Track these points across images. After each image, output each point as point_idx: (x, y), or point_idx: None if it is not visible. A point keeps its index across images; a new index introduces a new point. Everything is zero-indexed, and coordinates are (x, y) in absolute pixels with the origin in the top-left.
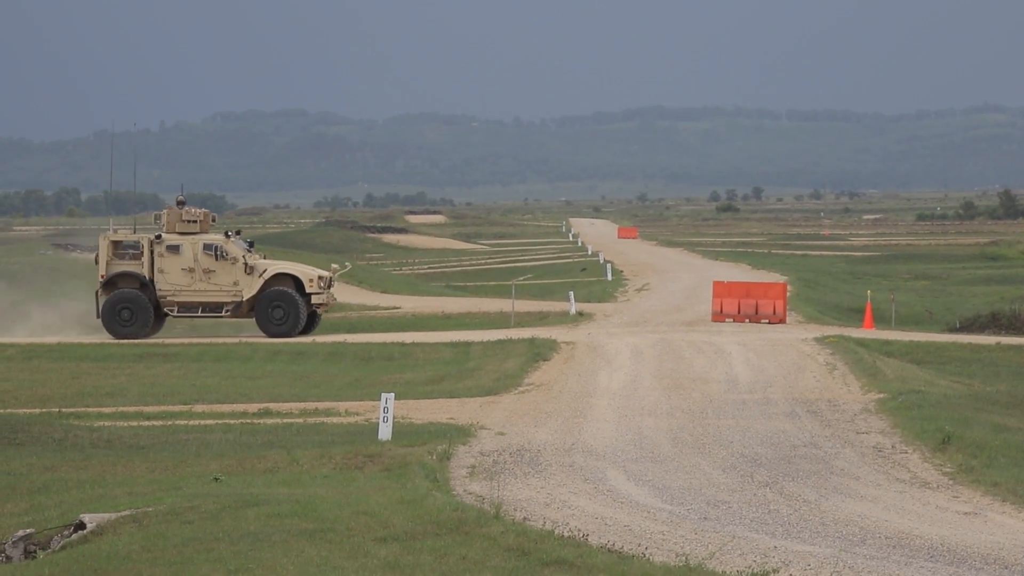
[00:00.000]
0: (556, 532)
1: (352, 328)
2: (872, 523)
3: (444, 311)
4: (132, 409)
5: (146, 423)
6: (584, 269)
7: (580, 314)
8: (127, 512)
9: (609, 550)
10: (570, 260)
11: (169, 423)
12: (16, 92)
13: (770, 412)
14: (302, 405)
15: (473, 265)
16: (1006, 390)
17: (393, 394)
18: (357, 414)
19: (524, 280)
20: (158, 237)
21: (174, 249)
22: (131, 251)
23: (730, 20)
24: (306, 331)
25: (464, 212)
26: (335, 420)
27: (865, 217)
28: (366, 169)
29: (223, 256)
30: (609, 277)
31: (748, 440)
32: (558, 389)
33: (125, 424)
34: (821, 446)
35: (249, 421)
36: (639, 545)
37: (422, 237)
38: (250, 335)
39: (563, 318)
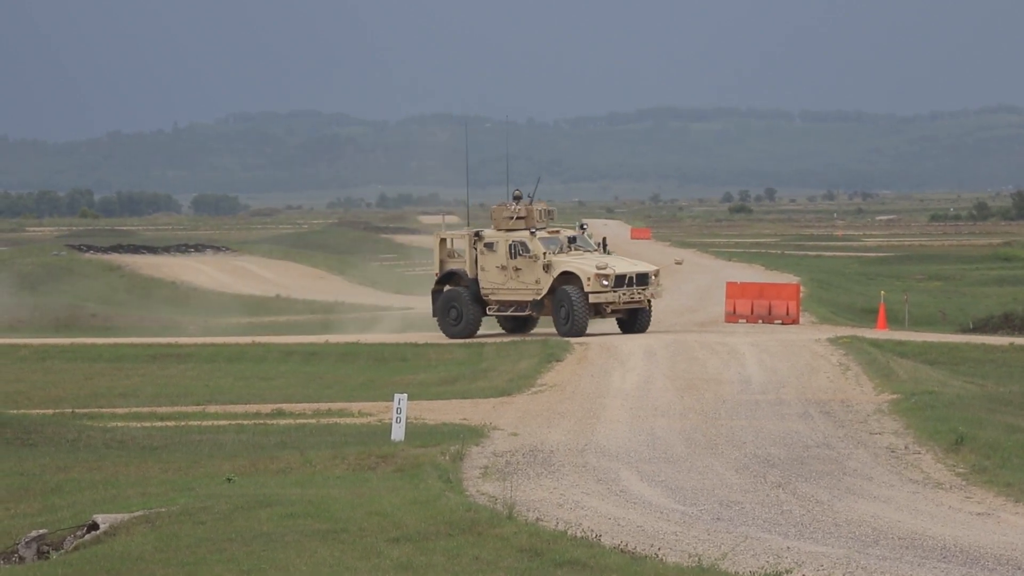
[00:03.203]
0: (569, 533)
1: (365, 329)
2: (885, 524)
3: None
4: (145, 410)
5: (159, 424)
6: None
7: None
8: (140, 513)
9: (622, 551)
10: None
11: (182, 424)
12: (29, 94)
13: (783, 413)
14: (315, 406)
15: None
16: (1019, 391)
17: (406, 395)
18: (370, 415)
19: None
20: (478, 234)
21: (490, 246)
22: (458, 249)
23: (743, 21)
24: (631, 329)
25: (477, 213)
26: (348, 421)
27: (878, 218)
28: (379, 170)
29: (523, 253)
30: None
31: (761, 441)
32: (571, 390)
33: (138, 425)
34: (834, 447)
35: (262, 422)
36: (652, 546)
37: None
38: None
39: None
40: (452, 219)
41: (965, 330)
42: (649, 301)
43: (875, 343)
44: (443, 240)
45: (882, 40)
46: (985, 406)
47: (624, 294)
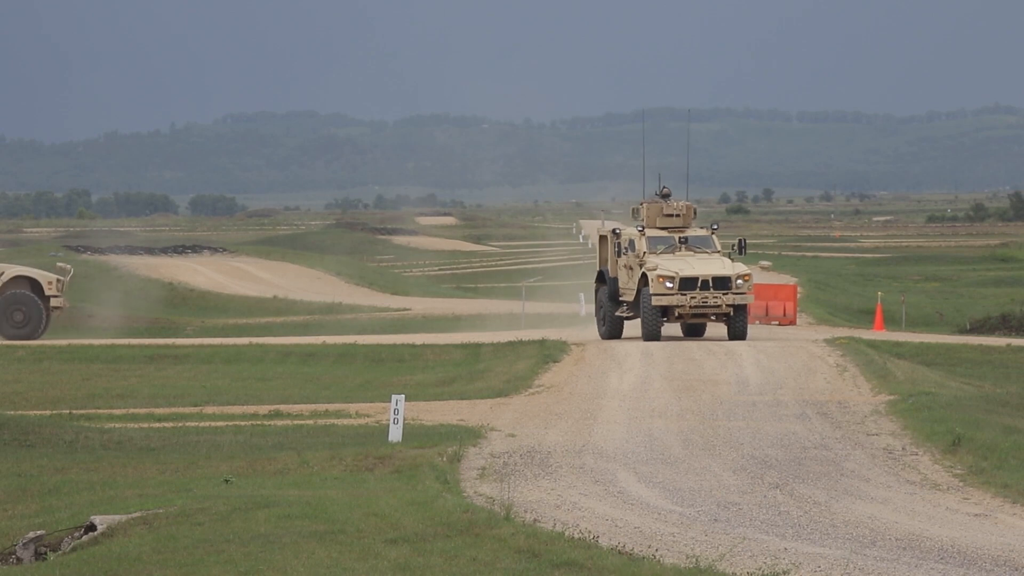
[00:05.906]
0: (566, 534)
1: (363, 330)
2: (882, 525)
3: (454, 313)
4: (143, 411)
5: (157, 425)
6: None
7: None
8: (137, 514)
9: (619, 552)
10: (580, 262)
11: (179, 425)
12: (25, 94)
13: (780, 414)
14: (312, 407)
15: (484, 267)
16: (1016, 392)
17: (403, 396)
18: (367, 416)
19: (534, 282)
20: (615, 232)
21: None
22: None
23: (740, 21)
24: (730, 335)
25: (474, 214)
26: (345, 422)
27: (875, 219)
28: (376, 171)
29: (630, 251)
30: None
31: (758, 442)
32: (568, 391)
33: (136, 426)
34: (831, 448)
35: (259, 423)
36: (649, 547)
37: (432, 239)
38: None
39: (573, 319)
40: (449, 220)
41: (962, 331)
42: (736, 306)
43: (872, 344)
44: (603, 237)
45: (880, 40)
46: (982, 407)
47: (695, 298)
